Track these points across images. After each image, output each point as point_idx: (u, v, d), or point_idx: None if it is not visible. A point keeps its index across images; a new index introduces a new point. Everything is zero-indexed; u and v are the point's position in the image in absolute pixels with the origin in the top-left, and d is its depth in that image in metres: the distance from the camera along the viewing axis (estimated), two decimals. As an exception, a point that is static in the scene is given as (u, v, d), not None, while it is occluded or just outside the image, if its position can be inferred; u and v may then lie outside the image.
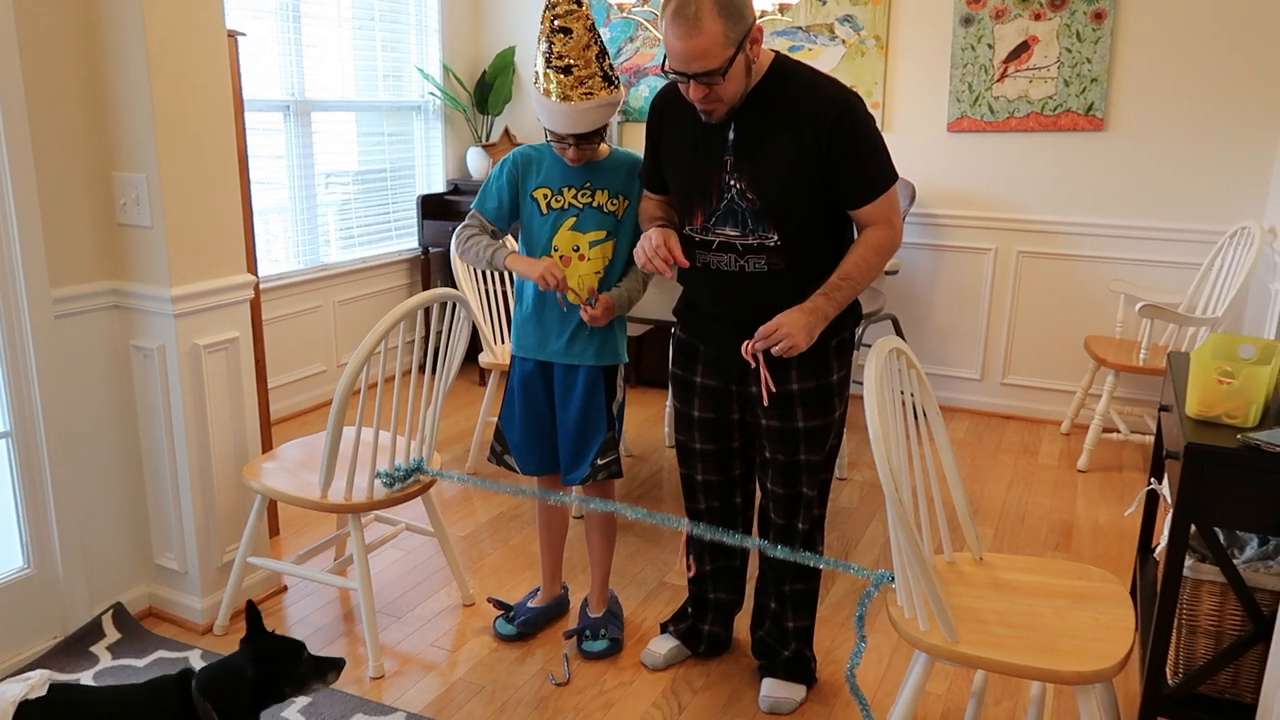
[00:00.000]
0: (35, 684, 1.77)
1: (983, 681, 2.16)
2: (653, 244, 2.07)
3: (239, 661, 1.89)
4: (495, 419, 2.61)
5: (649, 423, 4.38)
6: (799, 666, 2.40)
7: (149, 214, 2.44)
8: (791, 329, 1.99)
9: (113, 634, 2.59)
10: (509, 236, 2.45)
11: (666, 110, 2.18)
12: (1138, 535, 2.69)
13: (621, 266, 2.40)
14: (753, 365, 2.04)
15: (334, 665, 1.96)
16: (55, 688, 1.80)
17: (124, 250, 2.50)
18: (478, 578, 2.99)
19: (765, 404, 2.07)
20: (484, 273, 3.88)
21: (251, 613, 1.91)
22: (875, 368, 1.76)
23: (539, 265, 2.26)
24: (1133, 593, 2.60)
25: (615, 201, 2.35)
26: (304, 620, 2.74)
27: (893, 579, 1.90)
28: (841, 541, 3.26)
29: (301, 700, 2.34)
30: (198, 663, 2.50)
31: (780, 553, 2.08)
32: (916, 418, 1.97)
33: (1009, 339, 4.51)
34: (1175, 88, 4.04)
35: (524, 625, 2.64)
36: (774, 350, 2.01)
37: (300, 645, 1.94)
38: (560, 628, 2.70)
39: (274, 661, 1.89)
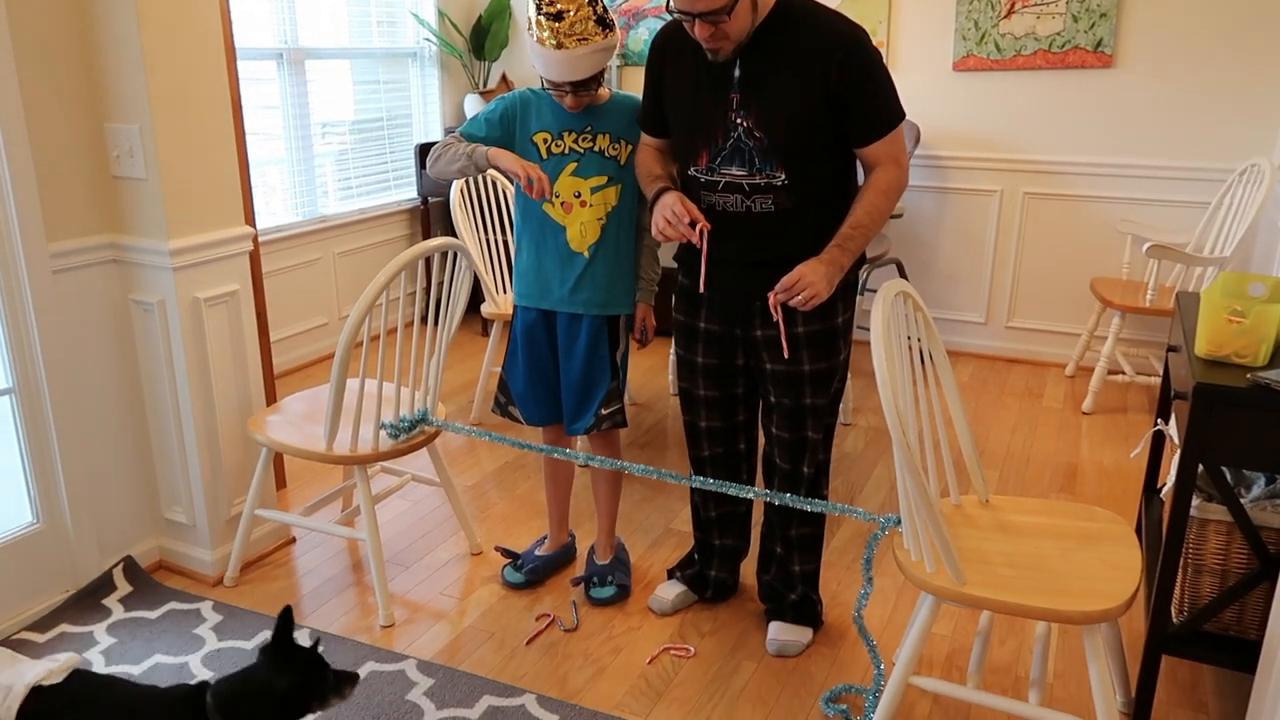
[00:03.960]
0: (56, 669, 1.66)
1: (988, 622, 2.18)
2: (674, 212, 2.04)
3: (265, 676, 1.69)
4: (499, 369, 2.59)
5: (653, 371, 4.37)
6: (805, 610, 2.42)
7: (143, 166, 2.41)
8: (814, 278, 1.98)
9: (124, 587, 2.61)
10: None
11: (668, 49, 2.15)
12: (1143, 476, 2.69)
13: (627, 214, 2.36)
14: (776, 317, 2.02)
15: (351, 680, 1.83)
16: (76, 675, 1.69)
17: (120, 203, 2.47)
18: (485, 527, 3.00)
19: (787, 355, 2.07)
20: (485, 221, 3.84)
21: (284, 620, 1.70)
22: (882, 311, 1.74)
23: (523, 162, 2.19)
24: (1137, 533, 2.61)
25: (617, 146, 2.32)
26: (313, 571, 2.75)
27: (899, 522, 1.92)
28: (847, 486, 3.27)
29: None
30: (210, 614, 2.52)
31: (787, 500, 2.08)
32: (923, 361, 1.96)
33: (1014, 282, 4.49)
34: (1185, 23, 3.96)
35: (532, 573, 2.65)
36: (795, 302, 1.99)
37: (321, 657, 1.78)
38: (568, 575, 2.71)
39: (302, 676, 1.71)
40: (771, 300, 2.01)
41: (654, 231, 2.07)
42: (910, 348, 1.89)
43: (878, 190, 2.04)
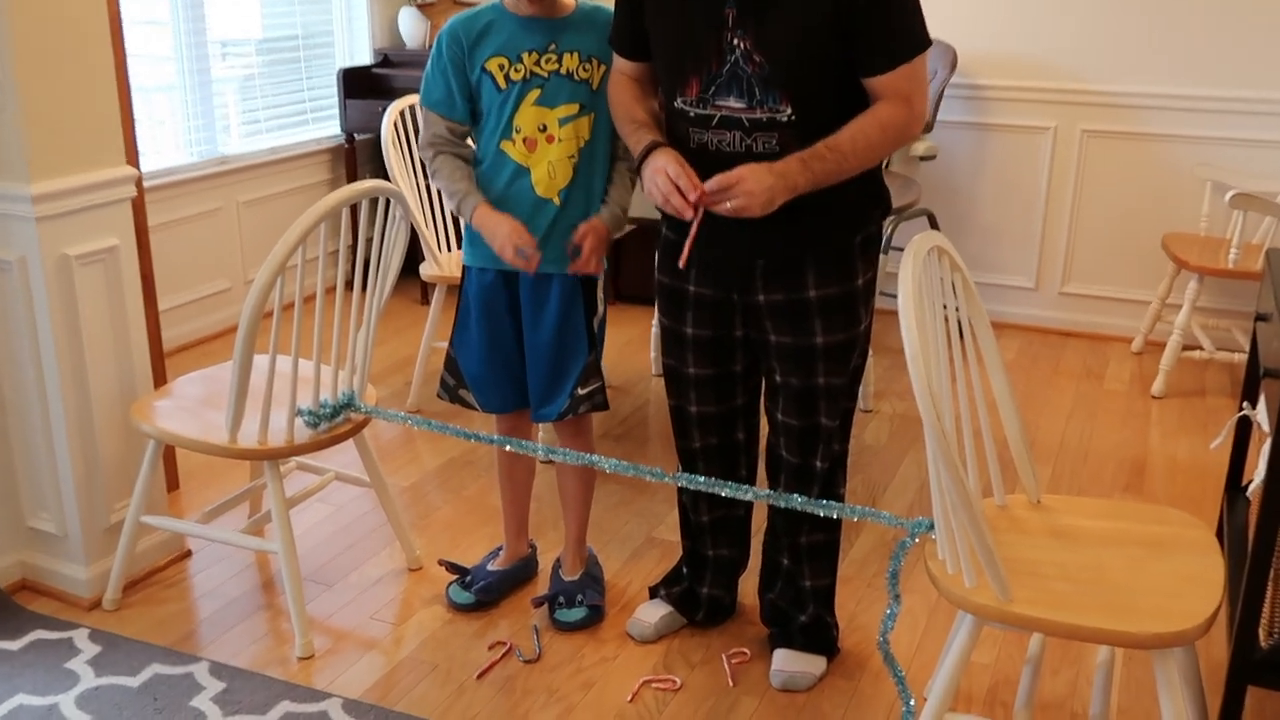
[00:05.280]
0: None
1: (1039, 648, 2.19)
2: (670, 174, 2.04)
3: None
4: (443, 344, 2.60)
5: (631, 347, 4.39)
6: (818, 634, 2.42)
7: (-2, 90, 2.37)
8: (754, 187, 1.97)
9: (-21, 612, 2.59)
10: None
11: (648, -53, 2.14)
12: (1225, 472, 2.71)
13: (602, 148, 2.36)
14: (690, 217, 2.02)
15: None
16: None
17: (-31, 137, 2.43)
18: (426, 536, 3.00)
19: (682, 265, 2.09)
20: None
21: None
22: (912, 270, 1.74)
23: (501, 234, 2.28)
24: (1218, 539, 2.63)
25: (588, 67, 2.31)
26: (214, 591, 2.74)
27: (932, 527, 1.92)
28: (867, 486, 3.29)
29: (214, 686, 2.37)
30: (86, 645, 2.50)
31: (796, 502, 2.09)
32: (961, 333, 1.97)
33: (1070, 239, 4.51)
34: (1279, -79, 3.98)
35: (483, 592, 2.65)
36: (722, 209, 2.00)
37: None
38: (528, 594, 2.72)
39: None
40: (694, 196, 2.02)
41: (648, 196, 2.08)
42: (946, 316, 1.89)
43: (875, 120, 2.04)
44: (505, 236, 2.27)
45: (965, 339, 1.97)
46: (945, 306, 1.90)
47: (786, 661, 2.40)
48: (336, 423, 2.49)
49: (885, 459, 3.46)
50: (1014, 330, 4.60)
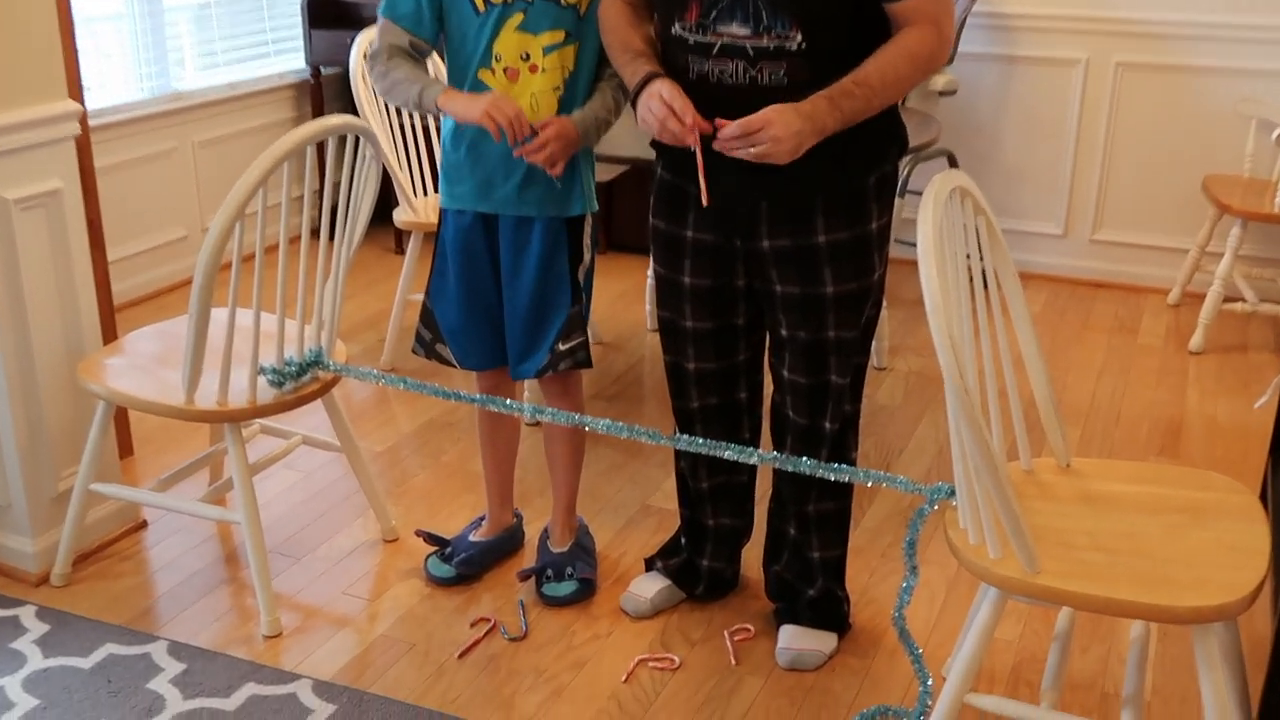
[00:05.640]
0: None
1: (1068, 623, 2.20)
2: (664, 97, 2.03)
3: None
4: (419, 297, 2.59)
5: (625, 299, 4.38)
6: (828, 609, 2.43)
7: (-75, 16, 2.33)
8: (781, 132, 1.96)
9: (-84, 589, 2.59)
10: (436, 57, 2.38)
11: None
12: (1269, 434, 2.70)
13: (587, 80, 2.35)
14: (690, 143, 2.03)
15: None
16: None
17: (-106, 68, 2.40)
18: (402, 505, 3.01)
19: (706, 203, 2.09)
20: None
21: None
22: (932, 214, 1.72)
23: (480, 102, 2.21)
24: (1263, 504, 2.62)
25: (574, -10, 2.28)
26: (172, 565, 2.74)
27: (952, 493, 1.92)
28: (881, 449, 3.29)
29: (174, 668, 2.37)
30: (33, 623, 2.50)
31: (804, 466, 2.07)
32: (985, 284, 1.96)
33: (1102, 181, 4.50)
34: None
35: (465, 565, 2.66)
36: (749, 153, 1.99)
37: None
38: (513, 567, 2.72)
39: None
40: (690, 119, 2.02)
41: (641, 125, 2.07)
42: (969, 265, 1.89)
43: (903, 49, 2.03)
44: (489, 102, 2.20)
45: (989, 290, 1.96)
46: (968, 255, 1.89)
47: (794, 639, 2.40)
48: (303, 382, 2.47)
49: (900, 420, 3.45)
50: (1041, 281, 4.59)
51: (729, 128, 1.99)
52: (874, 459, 3.21)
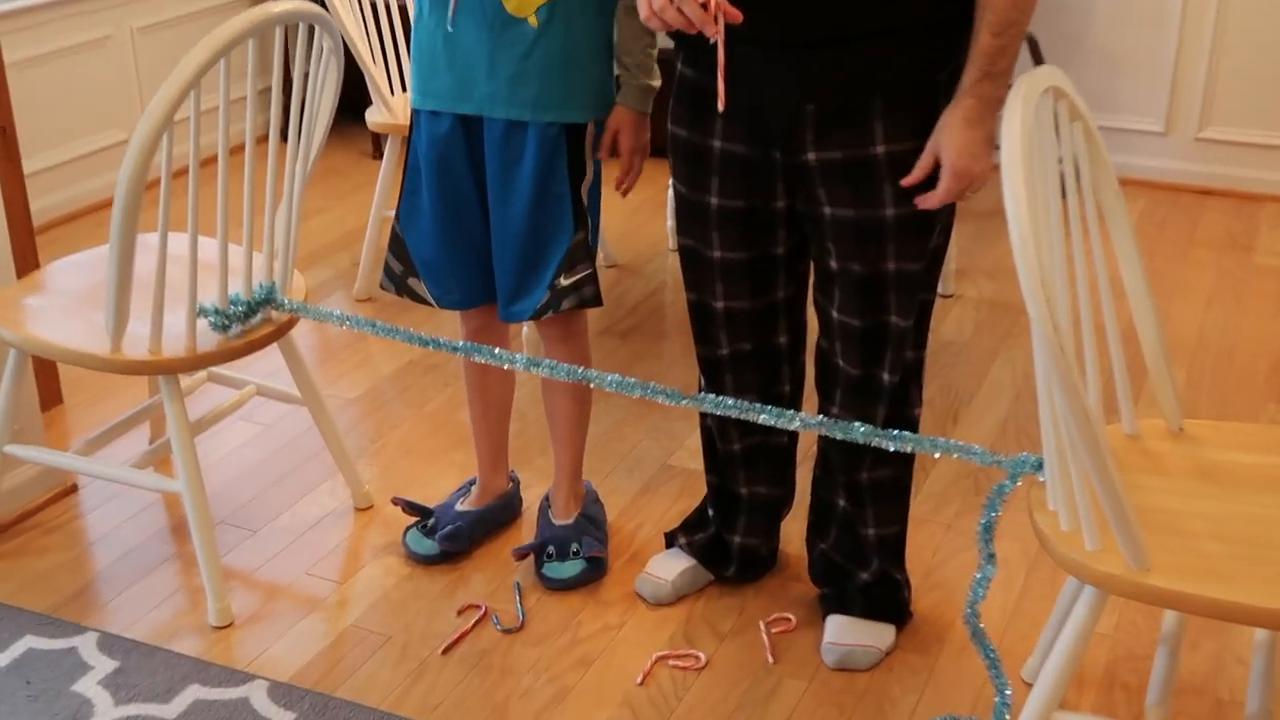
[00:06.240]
0: None
1: (1178, 621, 2.14)
2: None
3: None
4: (394, 213, 2.59)
5: (642, 213, 4.37)
6: (884, 597, 2.42)
7: None
8: (963, 159, 2.00)
9: None
10: None
11: None
12: None
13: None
14: (711, 33, 1.92)
15: None
16: None
17: None
18: (378, 465, 3.00)
19: (723, 108, 2.02)
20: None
21: None
22: (1021, 119, 1.64)
23: None
24: None
25: None
26: (106, 538, 2.72)
27: (1040, 467, 1.87)
28: (946, 396, 3.26)
29: (104, 665, 2.34)
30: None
31: (856, 434, 2.01)
32: (1081, 200, 1.90)
33: (1211, 70, 4.45)
34: None
35: (451, 540, 2.64)
36: (959, 197, 2.06)
37: None
38: (508, 543, 2.70)
39: None
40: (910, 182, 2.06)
41: (643, 13, 2.02)
42: (1063, 184, 1.81)
43: None
44: None
45: (1087, 213, 1.90)
46: (1061, 171, 1.81)
47: (843, 632, 2.39)
48: (252, 324, 2.44)
49: (970, 359, 3.42)
50: (1137, 187, 4.56)
51: (940, 187, 2.03)
52: (938, 407, 3.19)
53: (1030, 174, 1.61)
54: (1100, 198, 1.93)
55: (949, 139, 2.00)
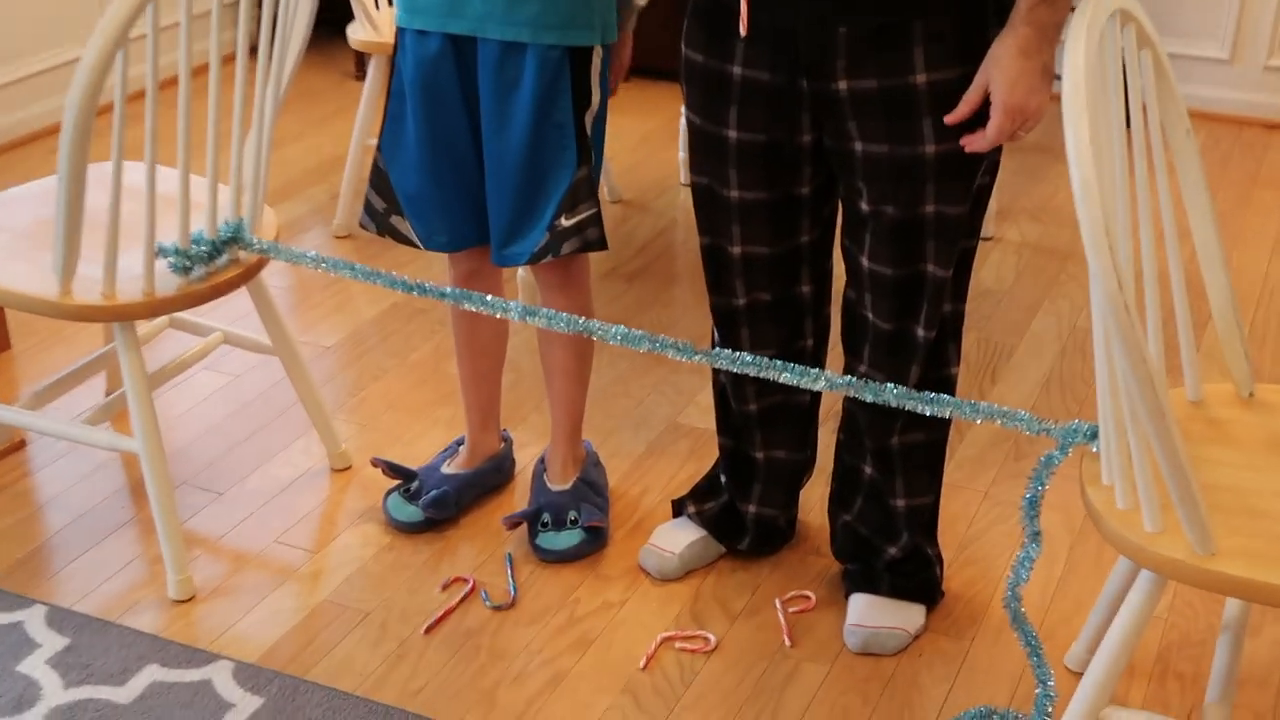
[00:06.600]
0: None
1: (1241, 608, 2.11)
2: None
3: None
4: (376, 142, 2.59)
5: (651, 142, 4.42)
6: (914, 574, 2.42)
7: None
8: (1019, 92, 1.96)
9: None
10: None
11: None
12: None
13: None
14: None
15: None
16: None
17: None
18: (355, 422, 3.00)
19: (744, 32, 2.07)
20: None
21: None
22: (1084, 45, 1.58)
23: None
24: None
25: None
26: (56, 500, 2.72)
27: (1094, 437, 1.85)
28: (984, 349, 3.26)
29: (53, 643, 2.33)
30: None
31: (889, 395, 1.99)
32: (1148, 138, 1.85)
33: (1283, -10, 4.48)
34: None
35: (436, 506, 2.64)
36: (1011, 138, 2.04)
37: None
38: (499, 509, 2.71)
39: None
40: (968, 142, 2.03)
41: None
42: (1128, 117, 1.77)
43: None
44: None
45: (1154, 154, 1.85)
46: (1127, 104, 1.77)
47: (868, 613, 2.38)
48: (217, 265, 2.42)
49: (1011, 308, 3.43)
50: (1199, 120, 4.44)
51: (993, 125, 2.00)
52: (975, 363, 3.18)
53: (1094, 112, 1.57)
54: (1169, 137, 1.89)
55: (1000, 71, 1.96)
